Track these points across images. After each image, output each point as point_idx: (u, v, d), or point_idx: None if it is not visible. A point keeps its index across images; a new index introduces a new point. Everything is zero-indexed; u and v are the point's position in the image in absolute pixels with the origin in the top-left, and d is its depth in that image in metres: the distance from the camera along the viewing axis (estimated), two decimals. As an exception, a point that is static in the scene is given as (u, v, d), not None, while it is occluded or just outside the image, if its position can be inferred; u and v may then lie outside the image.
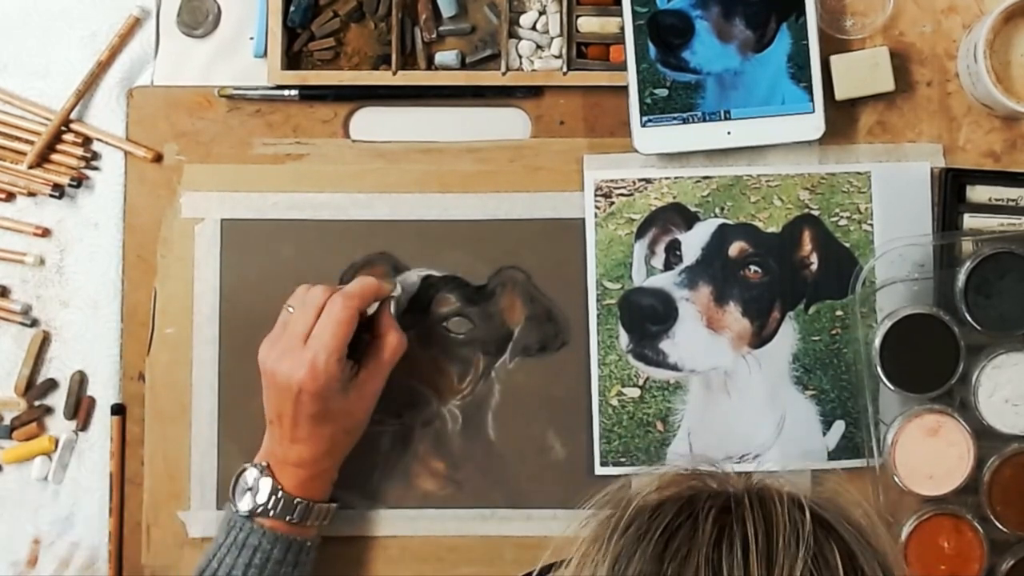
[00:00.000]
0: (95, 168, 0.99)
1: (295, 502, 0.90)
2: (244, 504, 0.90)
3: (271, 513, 0.90)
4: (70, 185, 0.98)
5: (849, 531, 0.65)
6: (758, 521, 0.63)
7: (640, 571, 0.63)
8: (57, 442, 0.98)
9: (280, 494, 0.90)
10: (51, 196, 0.98)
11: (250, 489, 0.90)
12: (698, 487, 0.67)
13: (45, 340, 0.98)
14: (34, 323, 0.98)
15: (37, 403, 0.98)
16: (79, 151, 0.99)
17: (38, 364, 0.98)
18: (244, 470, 0.91)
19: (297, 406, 0.89)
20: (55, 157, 0.99)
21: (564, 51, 0.98)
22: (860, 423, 0.96)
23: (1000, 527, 0.93)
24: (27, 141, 0.99)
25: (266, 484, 0.90)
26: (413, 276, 0.97)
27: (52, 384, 0.98)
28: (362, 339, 0.92)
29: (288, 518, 0.90)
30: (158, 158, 0.98)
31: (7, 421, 0.98)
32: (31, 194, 0.99)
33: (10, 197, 0.99)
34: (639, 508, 0.66)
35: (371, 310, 0.93)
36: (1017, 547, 0.93)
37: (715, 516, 0.64)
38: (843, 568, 0.63)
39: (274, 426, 0.91)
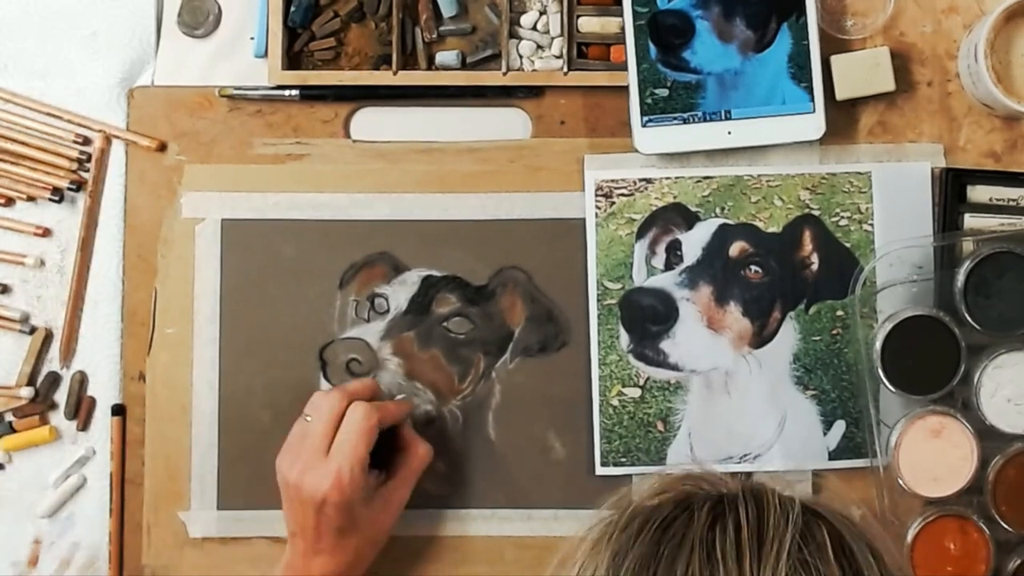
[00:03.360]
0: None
1: None
2: None
3: None
4: (69, 188, 0.98)
5: (839, 519, 0.67)
6: (750, 507, 0.66)
7: (638, 556, 0.66)
8: (57, 432, 0.98)
9: None
10: (51, 200, 0.98)
11: None
12: (694, 489, 0.70)
13: (47, 338, 0.98)
14: (32, 331, 0.98)
15: (38, 400, 0.98)
16: (77, 152, 0.99)
17: (39, 363, 0.98)
18: None
19: (320, 517, 0.87)
20: (55, 160, 0.99)
21: (565, 51, 0.98)
22: (861, 423, 0.95)
23: (1005, 527, 0.92)
24: (27, 143, 0.99)
25: None
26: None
27: (54, 379, 0.98)
28: (381, 450, 0.92)
29: None
30: (162, 147, 0.98)
31: (8, 418, 0.98)
32: (31, 199, 0.99)
33: (9, 202, 0.99)
34: (637, 509, 0.69)
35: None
36: (1023, 547, 0.93)
37: (710, 506, 0.67)
38: (831, 546, 0.65)
39: (296, 538, 0.89)
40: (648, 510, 0.68)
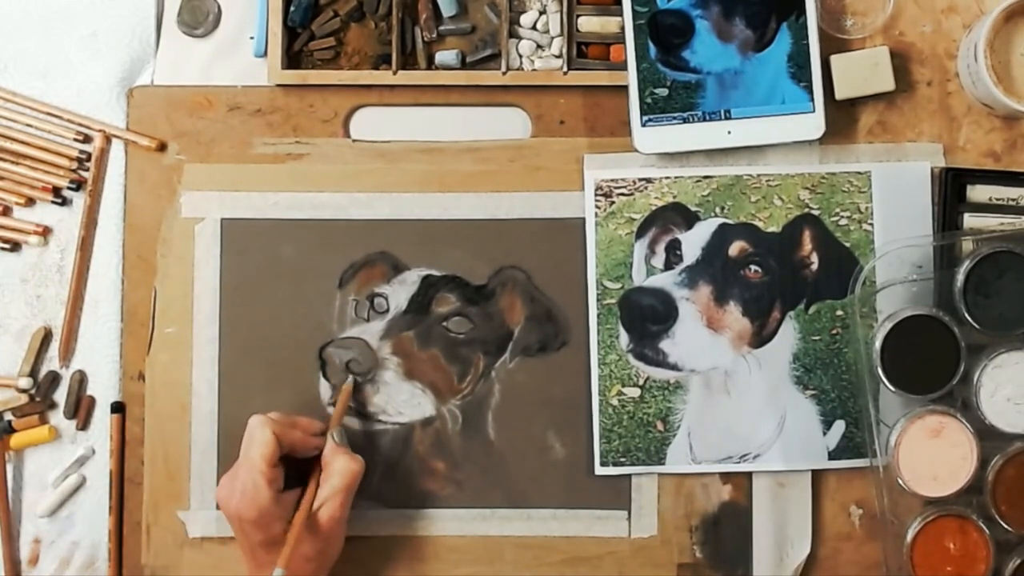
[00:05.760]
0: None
1: None
2: None
3: None
4: (69, 188, 0.98)
5: None
6: None
7: None
8: (56, 431, 0.98)
9: None
10: (53, 202, 0.98)
11: None
12: None
13: (46, 337, 0.98)
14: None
15: (38, 399, 0.98)
16: (77, 151, 0.99)
17: (38, 362, 0.98)
18: None
19: (244, 535, 0.88)
20: (55, 159, 0.99)
21: (564, 51, 0.98)
22: (861, 423, 0.95)
23: (1005, 527, 0.92)
24: (27, 143, 0.99)
25: None
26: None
27: (54, 378, 0.98)
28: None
29: None
30: (162, 147, 0.98)
31: (8, 417, 0.98)
32: (31, 201, 0.99)
33: (6, 211, 0.99)
34: None
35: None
36: (1022, 547, 0.93)
37: None
38: None
39: (243, 555, 0.91)
40: None
